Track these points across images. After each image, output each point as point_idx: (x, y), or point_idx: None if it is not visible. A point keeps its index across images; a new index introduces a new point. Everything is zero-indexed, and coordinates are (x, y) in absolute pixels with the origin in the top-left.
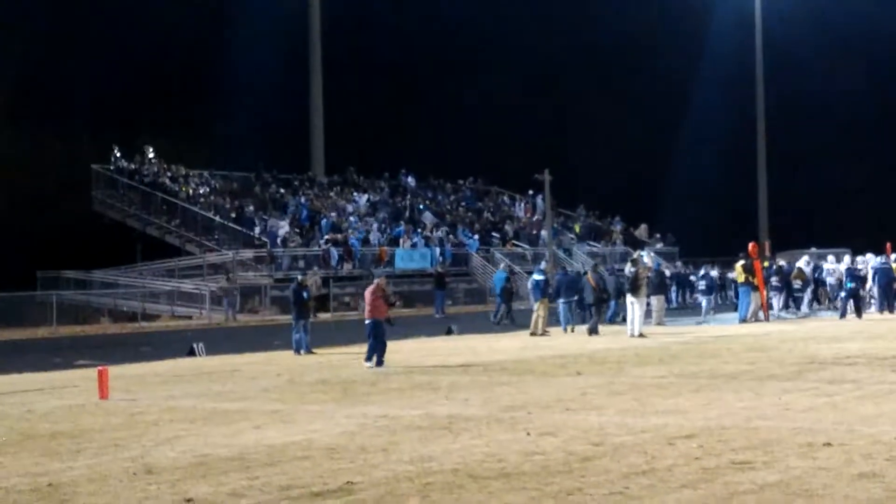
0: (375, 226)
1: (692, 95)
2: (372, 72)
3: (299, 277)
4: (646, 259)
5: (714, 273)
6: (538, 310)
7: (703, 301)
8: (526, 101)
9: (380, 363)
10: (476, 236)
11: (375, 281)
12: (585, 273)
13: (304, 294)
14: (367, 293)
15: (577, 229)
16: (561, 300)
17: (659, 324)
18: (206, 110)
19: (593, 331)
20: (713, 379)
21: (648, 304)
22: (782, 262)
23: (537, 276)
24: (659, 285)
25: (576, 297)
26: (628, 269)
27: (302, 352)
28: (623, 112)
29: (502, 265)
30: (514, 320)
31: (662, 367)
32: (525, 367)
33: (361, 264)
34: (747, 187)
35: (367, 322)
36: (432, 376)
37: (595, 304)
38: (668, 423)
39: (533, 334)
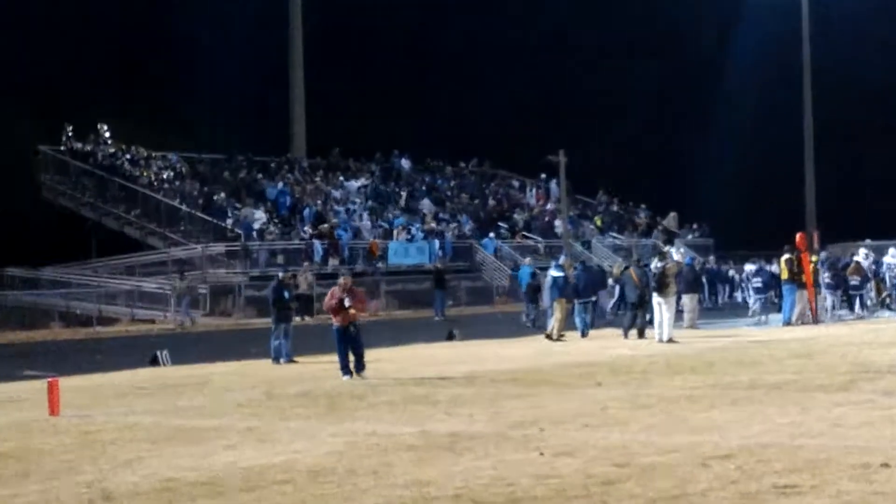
0: (366, 215)
1: (729, 63)
2: (360, 40)
3: (280, 275)
4: (675, 255)
5: (772, 268)
6: (555, 311)
7: (756, 300)
8: (536, 70)
9: (359, 368)
10: (492, 235)
11: (339, 280)
12: (627, 268)
13: (286, 294)
14: (327, 296)
15: (599, 222)
16: (579, 300)
17: (691, 327)
18: (171, 84)
19: (641, 333)
20: (753, 390)
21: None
22: (829, 255)
23: (554, 273)
24: (692, 283)
25: (595, 298)
26: (655, 264)
27: (282, 360)
28: (649, 82)
29: (528, 259)
30: (535, 322)
31: (695, 376)
32: (538, 377)
33: (350, 260)
34: (792, 169)
35: (334, 328)
36: (431, 388)
37: (638, 303)
38: (701, 441)
39: (548, 337)
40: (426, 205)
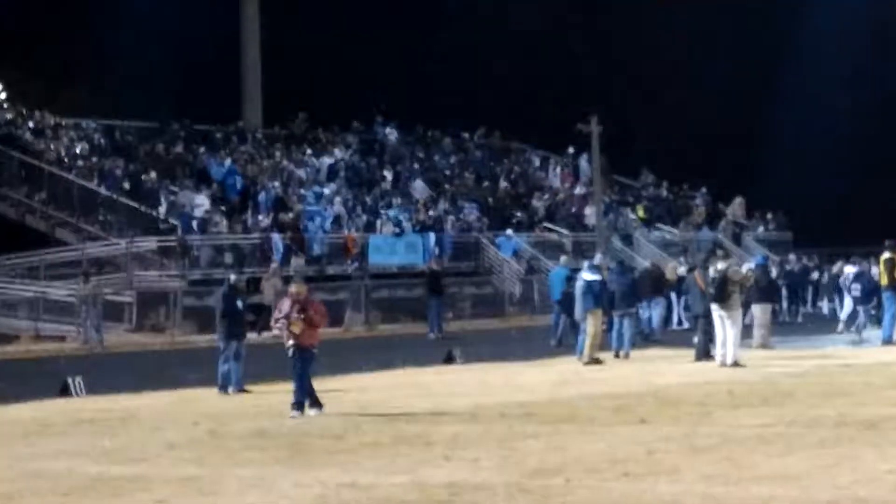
0: (339, 201)
1: (807, 8)
2: None
3: (232, 278)
4: (730, 272)
5: (873, 271)
6: (588, 325)
7: (854, 313)
8: (559, 14)
9: (313, 405)
10: (510, 232)
11: (290, 288)
12: (692, 270)
13: (239, 304)
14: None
15: (641, 212)
16: (616, 312)
17: (763, 346)
18: (84, 32)
19: (704, 354)
20: (843, 428)
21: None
22: None
23: (588, 276)
24: (765, 289)
25: (636, 308)
26: (715, 267)
27: (231, 389)
28: (706, 29)
29: (563, 259)
30: (561, 340)
31: (768, 410)
32: (563, 411)
33: (319, 258)
34: (891, 143)
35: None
36: (425, 425)
37: (705, 315)
38: (775, 494)
39: (588, 363)
40: (419, 187)
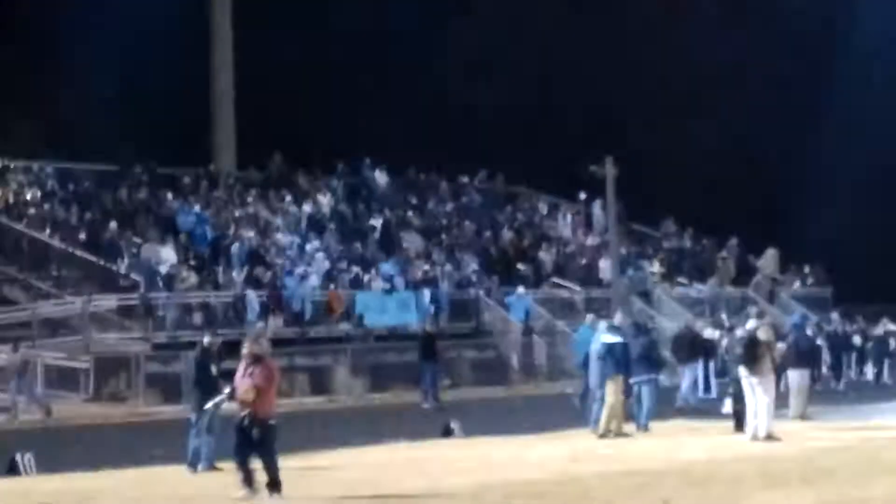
0: (322, 253)
1: (854, 40)
2: (313, 8)
3: (206, 340)
4: (760, 332)
5: None
6: (608, 393)
7: None
8: (570, 45)
9: (273, 487)
10: (521, 289)
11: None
12: (757, 328)
13: (213, 369)
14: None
15: (658, 266)
16: (633, 378)
17: (801, 416)
18: (37, 62)
19: (738, 422)
20: None
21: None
22: None
23: (609, 338)
24: (803, 354)
25: (656, 375)
26: (743, 328)
27: (200, 467)
28: (736, 62)
29: (589, 317)
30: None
31: (806, 490)
32: (575, 491)
33: (299, 319)
34: None
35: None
36: None
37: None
38: None
39: (603, 436)
40: (412, 238)
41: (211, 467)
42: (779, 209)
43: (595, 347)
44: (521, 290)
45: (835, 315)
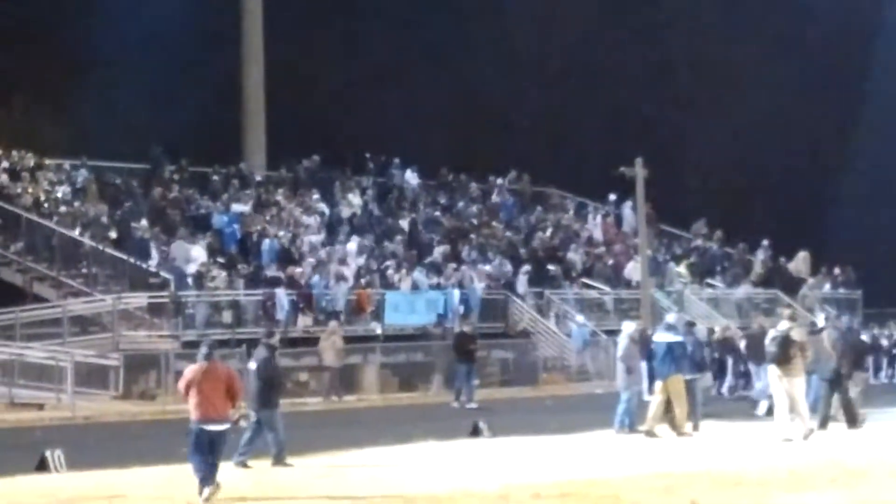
0: (353, 252)
1: (881, 38)
2: (343, 8)
3: (274, 340)
4: (794, 333)
5: None
6: (660, 393)
7: None
8: (600, 44)
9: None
10: (581, 318)
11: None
12: (819, 331)
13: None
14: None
15: (684, 269)
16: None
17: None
18: (71, 63)
19: (823, 423)
20: None
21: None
22: None
23: (668, 337)
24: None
25: (699, 375)
26: (777, 328)
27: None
28: (769, 62)
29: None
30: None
31: (835, 492)
32: (604, 492)
33: (328, 317)
34: None
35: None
36: None
37: (835, 380)
38: None
39: (649, 433)
40: (441, 238)
41: (242, 465)
42: (810, 211)
43: (657, 347)
44: (580, 318)
45: (856, 319)
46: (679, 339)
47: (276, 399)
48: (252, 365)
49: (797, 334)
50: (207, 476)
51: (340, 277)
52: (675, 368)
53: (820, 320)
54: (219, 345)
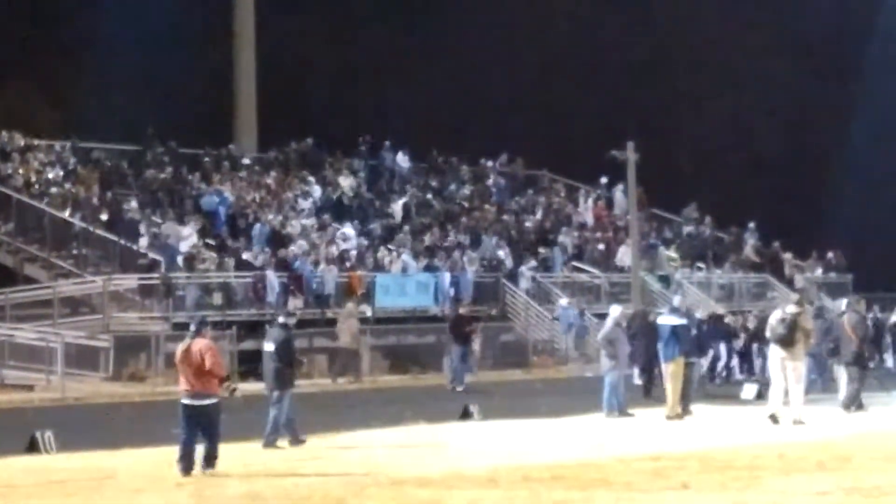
0: (344, 234)
1: (879, 20)
2: None
3: (291, 321)
4: (802, 318)
5: None
6: (672, 375)
7: None
8: (592, 26)
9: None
10: (565, 301)
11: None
12: (842, 314)
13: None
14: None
15: (674, 255)
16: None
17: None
18: (59, 43)
19: (852, 404)
20: None
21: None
22: None
23: (672, 319)
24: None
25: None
26: (782, 311)
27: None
28: (762, 44)
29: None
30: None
31: (824, 476)
32: (594, 474)
33: (320, 300)
34: None
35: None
36: (437, 490)
37: (855, 363)
38: None
39: (667, 415)
40: (433, 220)
41: (298, 440)
42: (801, 195)
43: (662, 329)
44: (563, 301)
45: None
46: (684, 321)
47: (292, 379)
48: (268, 345)
49: (805, 320)
50: (187, 449)
51: (331, 260)
52: (679, 351)
53: (842, 305)
54: (209, 323)
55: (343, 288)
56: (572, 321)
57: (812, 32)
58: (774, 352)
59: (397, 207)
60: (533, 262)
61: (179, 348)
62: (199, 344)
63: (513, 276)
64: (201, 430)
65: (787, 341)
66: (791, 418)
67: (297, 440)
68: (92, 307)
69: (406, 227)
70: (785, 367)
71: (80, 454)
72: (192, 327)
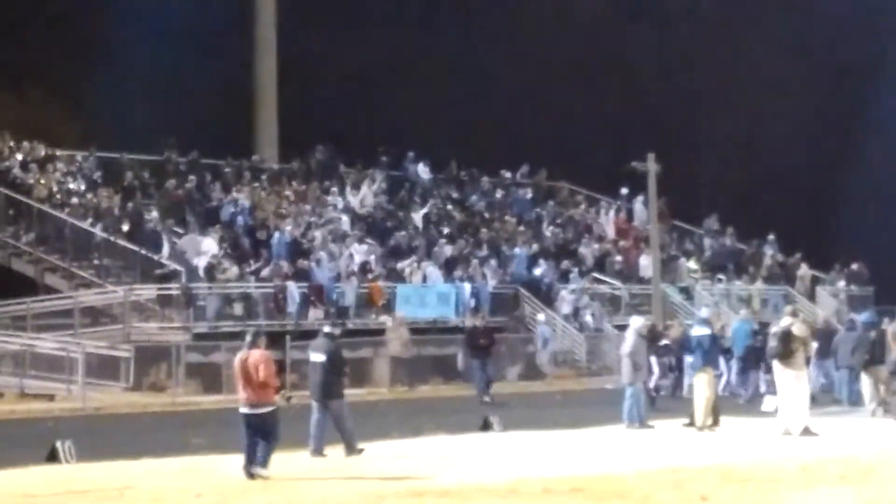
0: (363, 247)
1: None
2: (356, 2)
3: (337, 331)
4: (795, 328)
5: None
6: (702, 386)
7: None
8: (614, 38)
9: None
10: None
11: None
12: (875, 326)
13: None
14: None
15: (695, 264)
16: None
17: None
18: (83, 53)
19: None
20: None
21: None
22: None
23: (698, 330)
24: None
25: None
26: (779, 323)
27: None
28: (784, 56)
29: (744, 312)
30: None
31: (846, 488)
32: (614, 486)
33: (340, 311)
34: None
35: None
36: (455, 502)
37: None
38: None
39: (697, 426)
40: (453, 232)
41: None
42: (822, 207)
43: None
44: (541, 317)
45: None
46: (708, 332)
47: (341, 389)
48: (316, 356)
49: (798, 329)
50: (250, 455)
51: (352, 271)
52: (703, 361)
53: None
54: (264, 334)
55: (364, 299)
56: (548, 336)
57: (833, 42)
58: (776, 366)
59: (418, 218)
60: (573, 286)
61: (237, 359)
62: (255, 355)
63: (543, 291)
64: (260, 436)
65: (782, 354)
66: (799, 429)
67: (354, 450)
68: (112, 317)
69: (426, 238)
70: (787, 379)
71: (100, 464)
72: (248, 338)
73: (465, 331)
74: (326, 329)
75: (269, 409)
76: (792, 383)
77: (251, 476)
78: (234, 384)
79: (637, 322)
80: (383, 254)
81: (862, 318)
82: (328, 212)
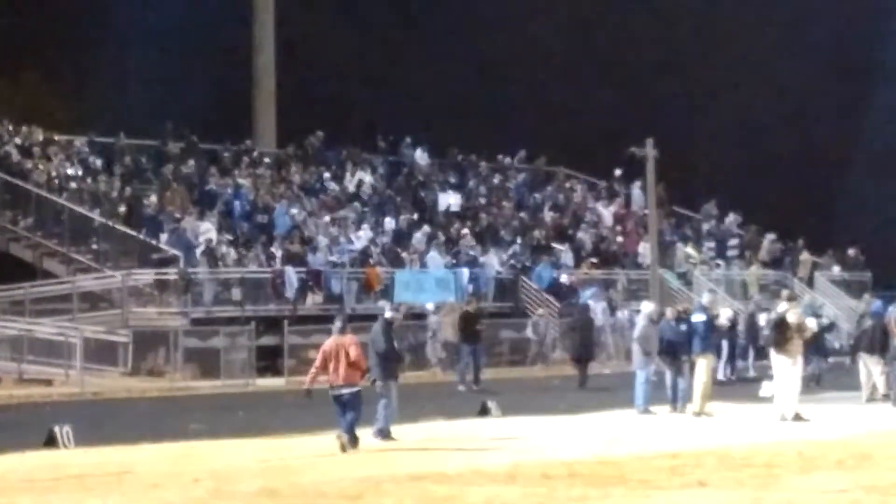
0: (362, 232)
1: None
2: None
3: (390, 314)
4: (790, 315)
5: None
6: (701, 371)
7: None
8: (612, 23)
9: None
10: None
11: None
12: (879, 316)
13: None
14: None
15: (693, 252)
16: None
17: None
18: (79, 40)
19: None
20: None
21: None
22: None
23: (696, 317)
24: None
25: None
26: (774, 311)
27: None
28: (777, 47)
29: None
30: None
31: (842, 474)
32: (612, 471)
33: (333, 296)
34: None
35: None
36: (455, 486)
37: None
38: None
39: (699, 413)
40: (451, 216)
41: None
42: (819, 192)
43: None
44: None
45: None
46: (704, 318)
47: (395, 372)
48: (372, 340)
49: (793, 316)
50: (344, 430)
51: (350, 255)
52: (701, 347)
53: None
54: (348, 318)
55: (361, 284)
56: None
57: (828, 29)
58: (771, 353)
59: (416, 204)
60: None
61: (330, 343)
62: (347, 339)
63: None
64: (348, 413)
65: (776, 341)
66: (791, 415)
67: (387, 435)
68: (111, 302)
69: (427, 223)
70: (783, 366)
71: (98, 449)
72: (338, 324)
73: (458, 316)
74: (387, 314)
75: (356, 389)
76: (787, 370)
77: (345, 449)
78: (327, 365)
79: (648, 307)
80: (382, 238)
81: (873, 307)
82: (326, 197)
